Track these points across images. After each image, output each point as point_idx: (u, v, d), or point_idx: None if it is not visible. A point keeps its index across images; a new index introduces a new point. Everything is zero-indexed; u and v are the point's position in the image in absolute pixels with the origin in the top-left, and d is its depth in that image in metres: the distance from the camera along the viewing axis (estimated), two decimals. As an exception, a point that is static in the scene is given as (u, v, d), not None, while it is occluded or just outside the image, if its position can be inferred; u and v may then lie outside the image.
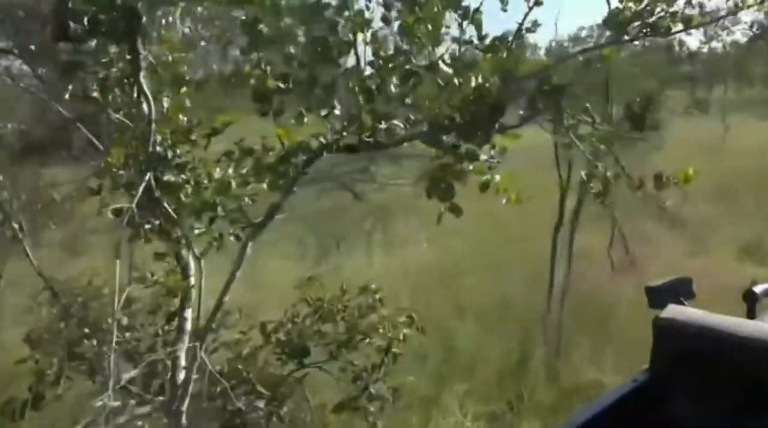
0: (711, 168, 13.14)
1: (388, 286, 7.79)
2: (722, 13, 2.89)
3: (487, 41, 2.78)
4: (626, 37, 2.92)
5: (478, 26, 2.73)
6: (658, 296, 2.54)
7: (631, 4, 2.84)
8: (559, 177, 6.71)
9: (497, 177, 3.00)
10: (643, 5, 2.87)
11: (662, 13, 2.87)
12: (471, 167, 3.12)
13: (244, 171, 3.34)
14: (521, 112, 2.96)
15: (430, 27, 2.65)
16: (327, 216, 11.51)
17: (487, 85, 2.97)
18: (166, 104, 3.55)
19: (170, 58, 3.62)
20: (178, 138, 3.58)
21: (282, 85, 2.97)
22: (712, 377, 2.16)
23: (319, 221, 11.37)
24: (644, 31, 2.94)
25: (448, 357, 6.21)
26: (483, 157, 3.02)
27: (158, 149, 3.51)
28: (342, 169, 11.89)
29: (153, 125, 3.33)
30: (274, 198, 3.61)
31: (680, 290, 2.58)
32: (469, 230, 8.33)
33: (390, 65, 2.80)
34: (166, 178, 3.56)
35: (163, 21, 3.70)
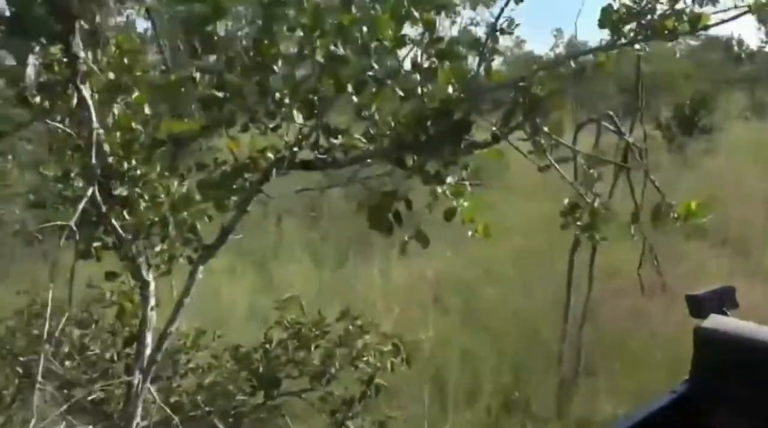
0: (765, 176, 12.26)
1: (398, 297, 7.41)
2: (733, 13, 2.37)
3: (442, 45, 2.32)
4: (623, 41, 2.43)
5: (430, 27, 2.28)
6: (699, 306, 2.40)
7: (626, 1, 2.36)
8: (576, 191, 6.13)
9: (465, 203, 2.57)
10: (644, 2, 2.38)
11: (668, 11, 2.37)
12: (440, 190, 2.71)
13: (184, 189, 2.98)
14: (494, 128, 2.51)
15: (366, 29, 2.23)
16: (351, 219, 11.14)
17: (461, 95, 2.54)
18: (117, 112, 3.26)
19: (125, 60, 3.32)
20: (131, 149, 3.28)
21: (218, 94, 2.58)
22: (755, 388, 2.07)
23: (342, 225, 11.04)
24: (647, 32, 2.45)
25: (452, 382, 5.76)
26: (450, 179, 2.59)
27: (110, 160, 3.23)
28: (370, 170, 11.45)
29: (95, 135, 3.02)
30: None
31: (723, 300, 2.44)
32: (499, 240, 7.84)
33: (334, 72, 2.38)
34: (117, 192, 3.27)
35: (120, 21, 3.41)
